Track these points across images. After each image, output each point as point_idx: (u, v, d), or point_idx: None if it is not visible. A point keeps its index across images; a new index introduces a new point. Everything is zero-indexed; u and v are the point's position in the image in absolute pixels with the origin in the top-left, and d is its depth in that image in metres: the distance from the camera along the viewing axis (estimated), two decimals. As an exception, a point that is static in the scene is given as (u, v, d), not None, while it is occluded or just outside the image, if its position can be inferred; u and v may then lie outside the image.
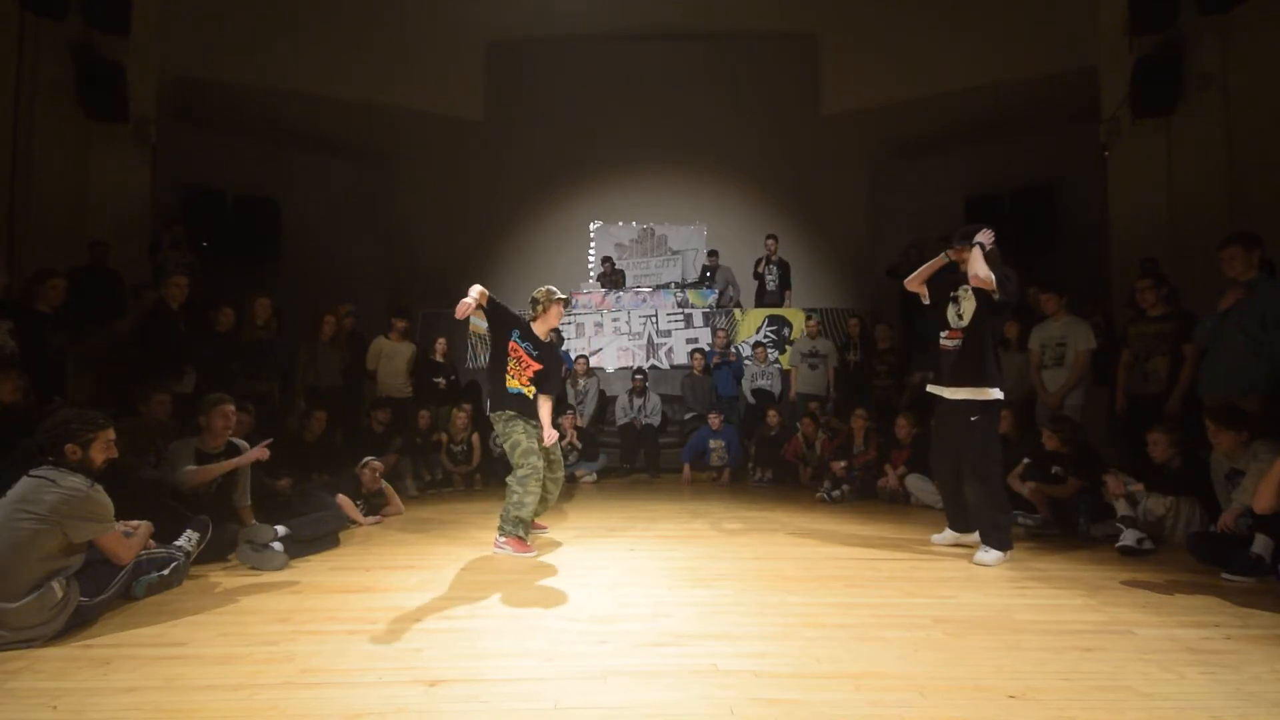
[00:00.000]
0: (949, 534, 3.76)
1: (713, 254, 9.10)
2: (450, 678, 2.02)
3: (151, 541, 2.91)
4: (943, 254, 3.58)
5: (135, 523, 2.84)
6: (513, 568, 3.36)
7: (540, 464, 3.65)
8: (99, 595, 2.55)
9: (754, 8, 9.75)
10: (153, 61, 7.26)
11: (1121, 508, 3.80)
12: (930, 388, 3.69)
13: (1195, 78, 6.16)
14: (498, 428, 3.71)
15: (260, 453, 3.61)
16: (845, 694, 1.91)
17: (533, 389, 3.71)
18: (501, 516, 3.65)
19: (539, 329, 3.81)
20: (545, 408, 3.75)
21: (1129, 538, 3.58)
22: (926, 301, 3.70)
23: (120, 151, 6.92)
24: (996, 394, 3.43)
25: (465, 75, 10.07)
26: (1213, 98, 6.03)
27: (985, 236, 3.40)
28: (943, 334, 3.57)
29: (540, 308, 3.80)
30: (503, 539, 3.63)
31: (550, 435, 3.73)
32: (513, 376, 3.69)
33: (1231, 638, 2.35)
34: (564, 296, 3.85)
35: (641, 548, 3.78)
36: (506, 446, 3.70)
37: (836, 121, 9.85)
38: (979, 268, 3.32)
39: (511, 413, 3.66)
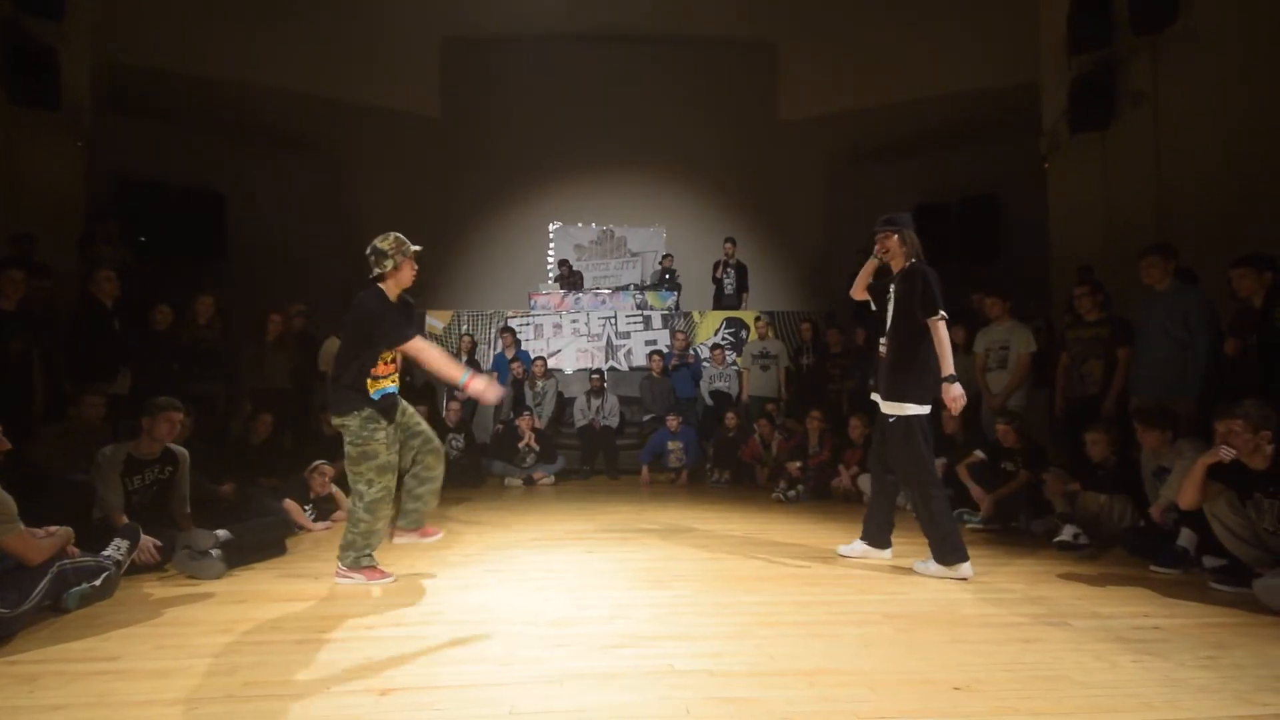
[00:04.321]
0: (858, 546, 3.48)
1: (668, 256, 9.19)
2: (403, 686, 1.98)
3: (74, 549, 2.75)
4: (872, 255, 3.41)
5: (54, 528, 2.69)
6: (468, 573, 3.31)
7: (394, 483, 3.05)
8: (20, 606, 2.40)
9: (715, 14, 9.87)
10: (87, 47, 6.91)
11: (1060, 505, 3.97)
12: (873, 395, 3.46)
13: (1128, 95, 6.49)
14: (352, 426, 2.95)
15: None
16: (799, 690, 1.94)
17: (396, 377, 3.10)
18: (344, 546, 3.05)
19: (391, 291, 3.03)
20: (431, 354, 3.02)
21: (1066, 533, 3.74)
22: (874, 308, 3.51)
23: (51, 141, 6.57)
24: (913, 409, 3.14)
25: (420, 70, 9.88)
26: (1145, 115, 6.36)
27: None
28: (880, 339, 3.39)
29: (390, 263, 2.99)
30: (350, 570, 3.05)
31: (482, 390, 2.98)
32: (383, 376, 3.01)
33: (1160, 627, 2.48)
34: (418, 248, 3.07)
35: (599, 550, 3.77)
36: (354, 454, 2.97)
37: (794, 127, 10.04)
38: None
39: (369, 411, 2.96)
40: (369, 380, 2.99)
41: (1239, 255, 3.90)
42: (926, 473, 3.20)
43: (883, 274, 3.45)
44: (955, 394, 3.08)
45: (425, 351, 3.02)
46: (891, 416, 3.22)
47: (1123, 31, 6.35)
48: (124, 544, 3.01)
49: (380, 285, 3.03)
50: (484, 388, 3.01)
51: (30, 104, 6.26)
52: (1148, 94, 6.33)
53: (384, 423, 3.01)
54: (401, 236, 3.06)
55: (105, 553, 2.91)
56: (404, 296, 3.10)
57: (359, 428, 2.96)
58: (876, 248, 3.37)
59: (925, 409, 3.18)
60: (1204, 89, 5.79)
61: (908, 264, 3.27)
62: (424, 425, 3.22)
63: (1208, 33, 5.75)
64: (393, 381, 3.08)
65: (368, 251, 3.04)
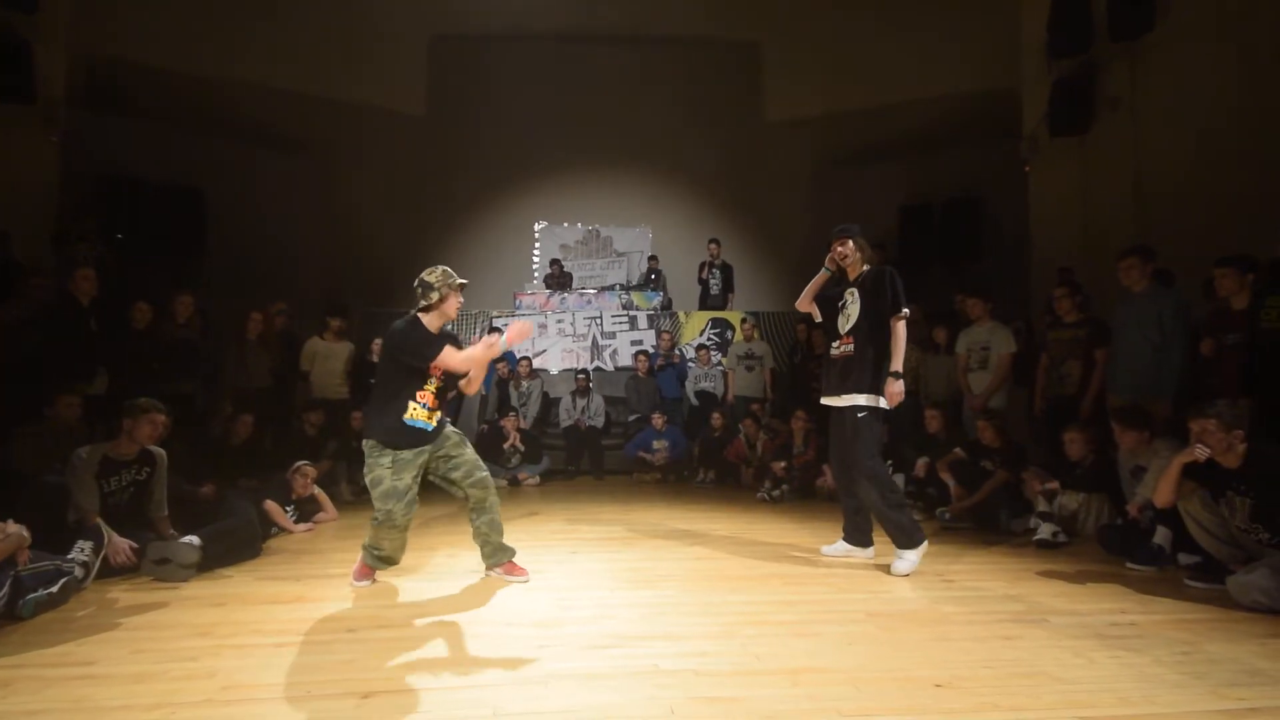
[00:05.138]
0: (841, 546, 3.57)
1: (653, 258, 9.18)
2: (385, 689, 1.96)
3: (27, 553, 2.67)
4: (823, 268, 3.56)
5: (11, 528, 2.61)
6: (452, 574, 3.29)
7: (399, 510, 2.98)
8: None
9: (701, 14, 9.89)
10: (64, 40, 6.79)
11: (1039, 504, 4.03)
12: (823, 400, 3.56)
13: (1106, 100, 6.59)
14: (366, 452, 3.04)
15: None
16: (784, 689, 1.95)
17: (438, 413, 3.09)
18: (365, 545, 3.18)
19: (432, 323, 3.04)
20: (458, 356, 3.04)
21: (1045, 531, 3.80)
22: (818, 319, 3.64)
23: (25, 136, 6.42)
24: (884, 401, 3.30)
25: (407, 68, 9.81)
26: (1122, 119, 6.46)
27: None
28: (833, 344, 3.49)
29: (436, 295, 3.00)
30: (358, 564, 3.20)
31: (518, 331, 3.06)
32: (420, 404, 3.00)
33: (1136, 623, 2.52)
34: (464, 281, 3.09)
35: (585, 550, 3.77)
36: (367, 478, 3.05)
37: (779, 129, 10.08)
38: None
39: (371, 442, 3.01)
40: (409, 405, 2.99)
41: (1221, 256, 3.92)
42: (882, 461, 3.48)
43: (829, 286, 3.62)
44: (896, 389, 3.24)
45: (453, 357, 2.96)
46: (863, 411, 3.32)
47: (1101, 37, 6.45)
48: (87, 545, 2.93)
49: (421, 315, 3.04)
50: (516, 333, 3.01)
51: (3, 98, 6.13)
52: (1126, 99, 6.44)
53: (391, 451, 2.98)
54: (449, 269, 3.08)
55: (69, 556, 2.84)
56: (445, 329, 3.12)
57: (367, 453, 3.03)
58: (832, 254, 3.51)
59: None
60: (1181, 94, 5.90)
61: (871, 267, 3.46)
62: (466, 456, 3.17)
63: (1185, 39, 5.85)
64: (426, 417, 3.02)
65: (415, 284, 3.05)
